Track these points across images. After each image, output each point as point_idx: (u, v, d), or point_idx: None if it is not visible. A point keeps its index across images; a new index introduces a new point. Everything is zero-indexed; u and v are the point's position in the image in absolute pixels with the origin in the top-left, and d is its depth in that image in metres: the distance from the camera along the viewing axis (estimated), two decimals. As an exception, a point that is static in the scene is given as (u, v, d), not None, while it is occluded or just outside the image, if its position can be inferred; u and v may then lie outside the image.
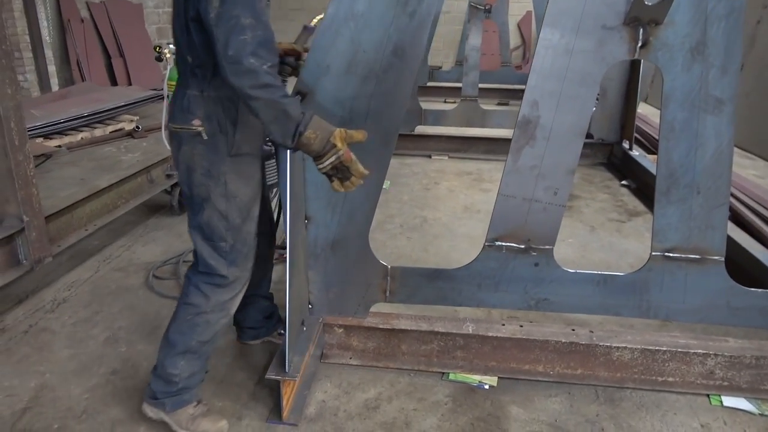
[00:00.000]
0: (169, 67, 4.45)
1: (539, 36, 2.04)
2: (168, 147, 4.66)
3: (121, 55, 8.76)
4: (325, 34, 2.05)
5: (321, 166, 1.76)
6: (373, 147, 2.18)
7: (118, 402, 2.26)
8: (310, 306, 2.46)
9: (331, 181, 1.80)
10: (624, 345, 2.34)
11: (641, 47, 2.01)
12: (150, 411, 2.06)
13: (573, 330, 2.43)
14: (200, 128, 1.81)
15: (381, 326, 2.45)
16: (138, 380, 2.38)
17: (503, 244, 2.32)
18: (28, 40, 7.06)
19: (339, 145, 1.72)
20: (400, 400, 2.30)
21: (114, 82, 8.60)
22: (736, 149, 6.42)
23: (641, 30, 1.97)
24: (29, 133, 5.58)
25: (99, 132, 6.29)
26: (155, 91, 7.69)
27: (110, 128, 6.43)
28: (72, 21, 7.87)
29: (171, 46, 4.38)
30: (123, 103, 6.77)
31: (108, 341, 2.66)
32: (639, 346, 2.34)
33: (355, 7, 1.99)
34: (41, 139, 5.68)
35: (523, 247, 2.32)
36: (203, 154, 1.85)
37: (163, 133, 4.84)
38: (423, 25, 2.02)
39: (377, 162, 2.20)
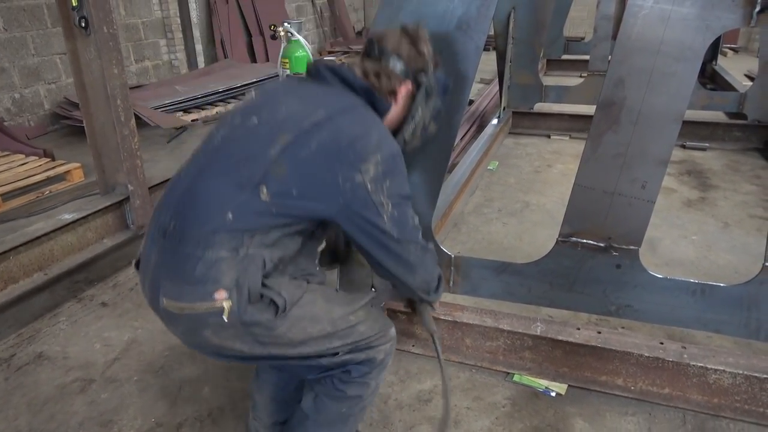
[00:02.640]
0: (283, 46, 4.63)
1: (628, 2, 1.75)
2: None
3: (261, 33, 9.29)
4: (387, 8, 1.94)
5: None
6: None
7: (191, 362, 2.43)
8: (373, 289, 2.42)
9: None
10: (722, 368, 1.99)
11: (760, 12, 1.63)
12: None
13: (661, 343, 2.12)
14: (224, 304, 1.29)
15: (444, 317, 2.33)
16: (212, 344, 2.54)
17: (579, 240, 2.08)
18: (179, 22, 7.75)
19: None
20: (455, 396, 2.19)
21: (253, 59, 9.18)
22: None
23: (760, -10, 1.60)
24: (173, 107, 6.22)
25: (232, 106, 6.77)
26: (283, 69, 8.09)
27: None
28: (218, 2, 8.49)
29: (286, 24, 4.55)
30: (255, 80, 7.19)
31: (196, 304, 2.86)
32: (742, 371, 1.98)
33: (414, -22, 1.86)
34: (181, 112, 6.25)
35: (602, 245, 2.05)
36: (235, 337, 1.35)
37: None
38: (490, -4, 1.83)
39: (439, 146, 2.07)
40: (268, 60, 9.25)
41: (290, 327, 1.39)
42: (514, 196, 4.15)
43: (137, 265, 1.53)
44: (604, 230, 2.03)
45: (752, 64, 8.31)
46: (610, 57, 5.55)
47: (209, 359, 2.40)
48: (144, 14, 7.29)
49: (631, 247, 2.02)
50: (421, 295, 1.65)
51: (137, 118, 5.52)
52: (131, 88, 6.66)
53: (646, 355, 2.08)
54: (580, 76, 8.21)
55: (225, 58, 8.51)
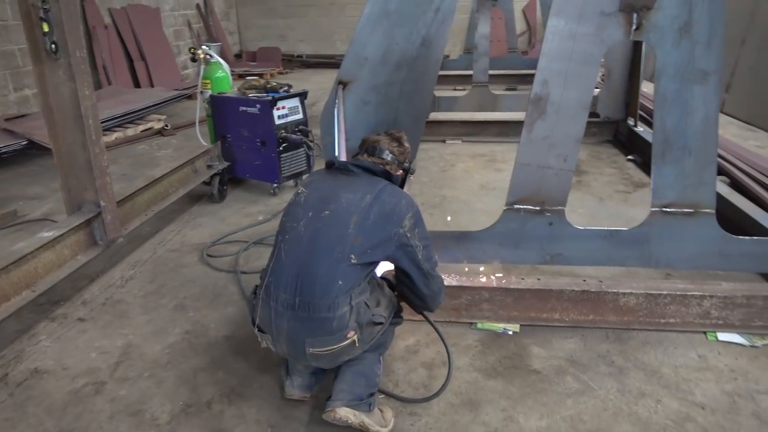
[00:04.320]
0: (202, 67, 4.83)
1: (547, 24, 2.37)
2: (203, 142, 5.05)
3: (143, 58, 9.14)
4: (363, 30, 2.39)
5: None
6: (405, 126, 2.54)
7: (195, 354, 2.64)
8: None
9: None
10: (630, 291, 2.68)
11: (635, 29, 2.33)
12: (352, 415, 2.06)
13: (584, 280, 2.77)
14: (355, 337, 1.97)
15: (416, 284, 2.79)
16: (209, 338, 2.76)
17: (521, 207, 2.66)
18: (59, 48, 7.44)
19: None
20: (436, 345, 2.66)
21: (137, 85, 8.99)
22: (740, 123, 6.69)
23: (635, 15, 2.30)
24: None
25: (131, 132, 6.70)
26: (179, 92, 8.09)
27: (141, 128, 6.82)
28: (97, 28, 8.26)
29: (204, 47, 4.76)
30: (151, 104, 7.16)
31: (176, 308, 3.03)
32: (643, 292, 2.68)
33: (388, 5, 2.33)
34: (81, 139, 6.08)
35: (538, 209, 2.66)
36: (360, 350, 2.05)
37: (197, 130, 5.23)
38: (446, 19, 2.36)
39: (409, 139, 2.54)
40: (152, 85, 9.11)
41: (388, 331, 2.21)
42: (431, 192, 4.74)
43: (260, 329, 2.10)
44: (539, 196, 2.63)
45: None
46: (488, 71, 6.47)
47: (211, 351, 2.65)
48: (21, 40, 6.92)
49: (559, 207, 2.64)
50: (431, 310, 2.41)
51: (43, 146, 5.34)
52: (13, 118, 6.33)
53: (576, 289, 2.71)
54: (455, 89, 9.21)
55: (109, 84, 8.28)
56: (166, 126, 6.95)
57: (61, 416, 2.26)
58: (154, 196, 3.68)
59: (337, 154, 2.45)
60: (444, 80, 9.48)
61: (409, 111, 2.50)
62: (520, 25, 11.81)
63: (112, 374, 2.52)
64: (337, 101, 2.37)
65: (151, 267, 3.51)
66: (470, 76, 6.83)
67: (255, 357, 2.60)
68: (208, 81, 4.81)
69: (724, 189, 3.92)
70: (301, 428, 2.18)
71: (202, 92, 4.93)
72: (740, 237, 2.61)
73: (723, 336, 2.66)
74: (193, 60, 4.76)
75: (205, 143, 5.08)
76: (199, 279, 3.35)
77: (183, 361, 2.60)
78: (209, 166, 4.37)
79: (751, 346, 2.60)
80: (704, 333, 2.69)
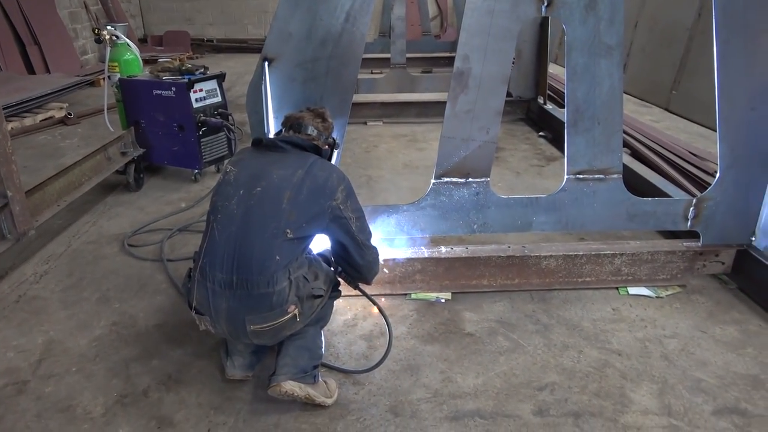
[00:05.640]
0: (108, 50, 4.56)
1: (466, 2, 2.46)
2: (111, 129, 4.79)
3: (36, 42, 8.45)
4: (286, 4, 2.37)
5: None
6: (333, 102, 2.56)
7: (126, 345, 2.54)
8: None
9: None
10: (550, 254, 2.87)
11: (547, 6, 2.47)
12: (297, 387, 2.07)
13: (509, 247, 2.93)
14: (295, 311, 1.99)
15: (350, 259, 2.83)
16: (139, 328, 2.66)
17: (448, 179, 2.76)
18: (-63, 31, 6.73)
19: None
20: (373, 318, 2.72)
21: (31, 71, 8.30)
22: (635, 99, 7.22)
23: (546, -8, 2.43)
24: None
25: (29, 121, 6.20)
26: (80, 78, 7.57)
27: (40, 117, 6.33)
28: (-20, 9, 7.54)
29: (109, 27, 4.49)
30: (49, 91, 6.67)
31: (100, 301, 2.89)
32: (562, 254, 2.87)
33: (311, -20, 2.32)
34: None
35: (464, 180, 2.77)
36: (301, 323, 2.06)
37: (106, 116, 4.95)
38: (369, -5, 2.39)
39: (337, 114, 2.56)
40: (48, 71, 8.45)
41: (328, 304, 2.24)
42: (356, 173, 4.77)
43: (197, 311, 2.07)
44: (464, 168, 2.74)
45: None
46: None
47: (142, 341, 2.56)
48: None
49: (484, 178, 2.77)
50: (368, 282, 2.38)
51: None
52: None
53: (501, 256, 2.86)
54: (372, 72, 9.25)
55: (0, 70, 7.59)
56: (69, 114, 6.48)
57: (-20, 421, 2.11)
58: (65, 186, 3.45)
59: (266, 132, 2.42)
60: (361, 63, 9.49)
61: (336, 88, 2.51)
62: (432, 10, 12.01)
63: (35, 372, 2.37)
64: (263, 78, 2.34)
65: (67, 260, 3.31)
66: (387, 59, 6.92)
67: (190, 343, 2.54)
68: (115, 64, 4.55)
69: (626, 158, 4.23)
70: (245, 407, 2.17)
71: (109, 76, 4.66)
72: (644, 198, 2.86)
73: (633, 290, 2.91)
74: (98, 42, 4.48)
75: (114, 130, 4.82)
76: (121, 270, 3.20)
77: (113, 353, 2.49)
78: (123, 153, 4.15)
79: (657, 297, 2.87)
80: (617, 288, 2.93)
